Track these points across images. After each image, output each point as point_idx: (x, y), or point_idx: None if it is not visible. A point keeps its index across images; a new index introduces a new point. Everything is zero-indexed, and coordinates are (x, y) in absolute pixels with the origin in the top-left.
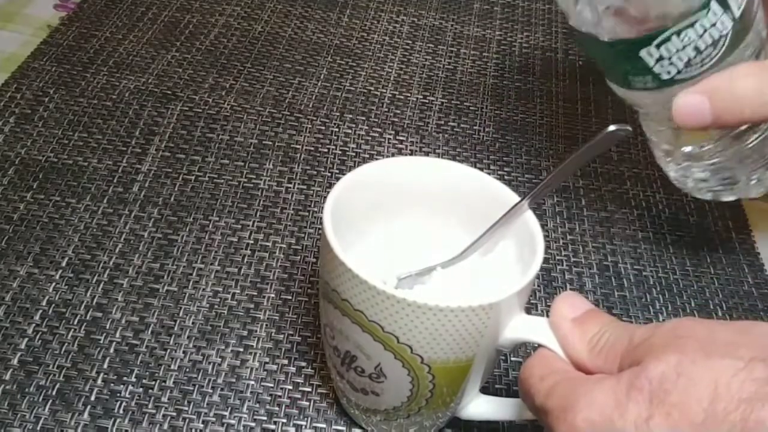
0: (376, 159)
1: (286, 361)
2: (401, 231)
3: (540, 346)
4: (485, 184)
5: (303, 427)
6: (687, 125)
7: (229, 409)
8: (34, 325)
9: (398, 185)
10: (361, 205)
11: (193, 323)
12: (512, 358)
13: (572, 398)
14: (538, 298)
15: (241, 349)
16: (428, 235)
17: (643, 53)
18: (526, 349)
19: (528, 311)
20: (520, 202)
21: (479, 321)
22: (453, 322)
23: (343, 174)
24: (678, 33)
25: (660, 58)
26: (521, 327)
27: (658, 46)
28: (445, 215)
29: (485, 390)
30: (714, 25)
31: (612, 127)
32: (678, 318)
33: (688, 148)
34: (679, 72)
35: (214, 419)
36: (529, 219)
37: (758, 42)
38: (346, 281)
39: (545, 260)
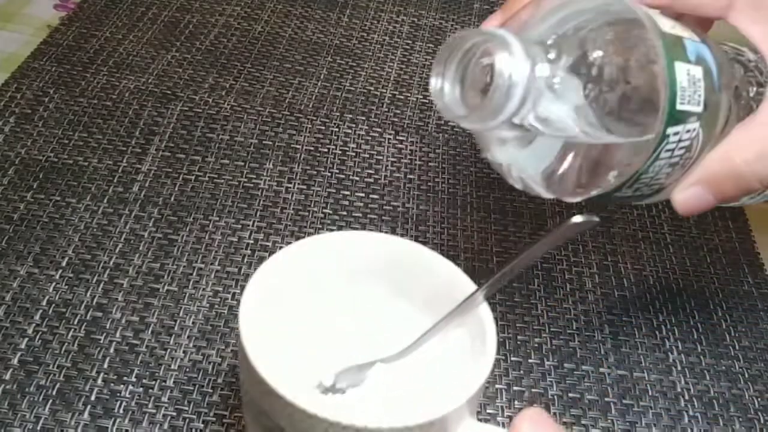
0: (377, 157)
1: None
2: (344, 314)
3: None
4: (437, 265)
5: None
6: (693, 215)
7: (230, 409)
8: (34, 324)
9: (338, 263)
10: (294, 287)
11: (193, 323)
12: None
13: None
14: (538, 297)
15: None
16: (376, 317)
17: (616, 195)
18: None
19: (528, 311)
20: (472, 294)
21: None
22: None
23: (343, 174)
24: (646, 169)
25: (637, 189)
26: None
27: (630, 186)
28: (394, 295)
29: None
30: (680, 139)
31: (577, 219)
32: None
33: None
34: (662, 184)
35: (214, 419)
36: (482, 311)
37: (731, 102)
38: (264, 394)
39: (545, 260)
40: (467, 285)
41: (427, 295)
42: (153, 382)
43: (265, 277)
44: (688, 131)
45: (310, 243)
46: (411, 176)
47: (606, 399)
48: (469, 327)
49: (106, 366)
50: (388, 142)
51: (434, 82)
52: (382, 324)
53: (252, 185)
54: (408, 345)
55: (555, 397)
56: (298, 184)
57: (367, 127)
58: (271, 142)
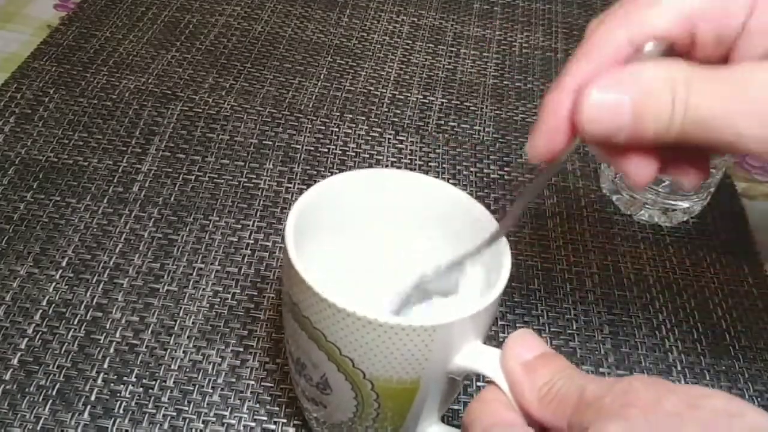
0: (377, 157)
1: (285, 361)
2: (373, 246)
3: (489, 382)
4: (461, 201)
5: (301, 426)
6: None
7: (229, 409)
8: (34, 325)
9: (368, 199)
10: (330, 217)
11: (193, 323)
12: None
13: None
14: (538, 297)
15: (241, 349)
16: (403, 250)
17: None
18: None
19: (528, 311)
20: (495, 233)
21: (421, 342)
22: (393, 339)
23: (344, 172)
24: None
25: None
26: (473, 356)
27: None
28: (419, 231)
29: (449, 421)
30: None
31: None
32: (631, 377)
33: None
34: None
35: (214, 419)
36: (501, 247)
37: None
38: (295, 285)
39: (545, 260)
40: (489, 222)
41: (450, 230)
42: (153, 382)
43: (308, 201)
44: None
45: (350, 176)
46: None
47: None
48: (487, 263)
49: (106, 366)
50: (388, 142)
51: None
52: (407, 255)
53: (252, 185)
54: (430, 274)
55: None
56: (298, 184)
57: (367, 127)
58: (271, 142)
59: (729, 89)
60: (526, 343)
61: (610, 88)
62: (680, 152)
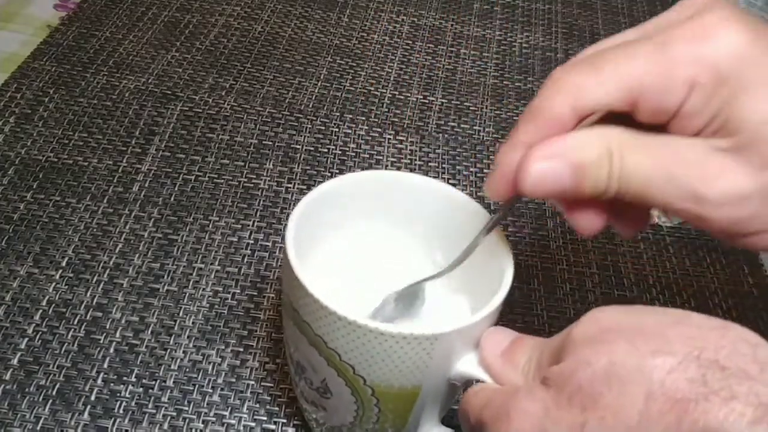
0: (377, 157)
1: (285, 361)
2: (373, 247)
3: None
4: (460, 202)
5: (301, 427)
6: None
7: (229, 409)
8: (34, 325)
9: (368, 200)
10: (330, 220)
11: (193, 323)
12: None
13: (504, 409)
14: (537, 297)
15: (241, 349)
16: (402, 252)
17: None
18: None
19: (528, 311)
20: (489, 224)
21: (422, 350)
22: (394, 348)
23: (344, 174)
24: None
25: None
26: (474, 363)
27: None
28: (419, 232)
29: (449, 423)
30: None
31: None
32: (597, 308)
33: None
34: None
35: (214, 419)
36: (504, 254)
37: None
38: (296, 290)
39: (545, 260)
40: (479, 208)
41: (450, 231)
42: (153, 382)
43: (308, 204)
44: None
45: (349, 178)
46: None
47: None
48: (489, 268)
49: (106, 366)
50: (388, 142)
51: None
52: (407, 256)
53: (252, 185)
54: (421, 280)
55: None
56: (298, 184)
57: (367, 127)
58: (271, 142)
59: (652, 160)
60: (496, 337)
61: (550, 158)
62: (621, 205)
